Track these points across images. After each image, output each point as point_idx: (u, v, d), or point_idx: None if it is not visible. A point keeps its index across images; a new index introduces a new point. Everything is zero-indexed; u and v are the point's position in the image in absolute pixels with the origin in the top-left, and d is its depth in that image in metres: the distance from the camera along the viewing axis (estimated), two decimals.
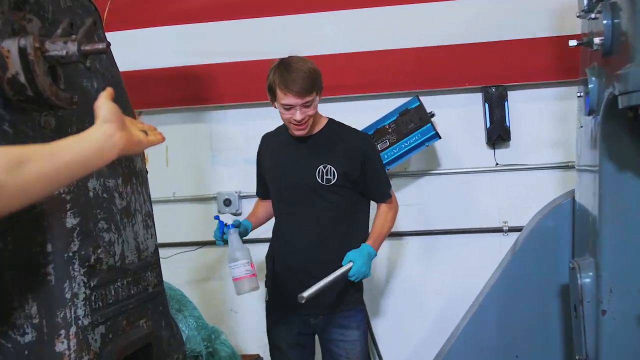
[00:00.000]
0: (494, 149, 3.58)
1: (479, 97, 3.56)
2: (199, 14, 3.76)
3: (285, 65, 2.55)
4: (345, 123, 2.82)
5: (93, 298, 1.60)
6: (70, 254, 1.55)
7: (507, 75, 3.47)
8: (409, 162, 3.63)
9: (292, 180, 2.72)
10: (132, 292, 1.82)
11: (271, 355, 2.84)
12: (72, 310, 1.55)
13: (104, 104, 1.33)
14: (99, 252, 1.60)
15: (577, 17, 2.37)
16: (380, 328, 3.73)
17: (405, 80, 3.54)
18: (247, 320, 3.90)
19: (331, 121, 2.78)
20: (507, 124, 3.47)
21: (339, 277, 2.53)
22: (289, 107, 2.53)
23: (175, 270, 3.93)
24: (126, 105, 1.92)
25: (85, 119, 1.66)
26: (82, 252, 1.57)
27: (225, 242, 2.71)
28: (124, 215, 1.82)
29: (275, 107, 2.63)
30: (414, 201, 3.66)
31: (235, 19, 3.71)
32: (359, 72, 3.58)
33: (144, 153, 2.06)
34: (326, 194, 2.67)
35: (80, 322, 1.56)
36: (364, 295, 2.87)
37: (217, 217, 2.78)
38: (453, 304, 3.55)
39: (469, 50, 3.45)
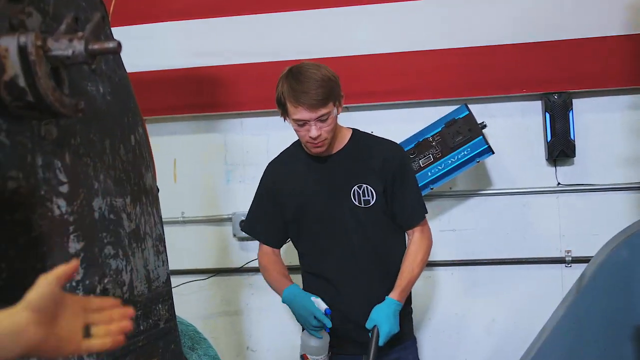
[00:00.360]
0: (555, 166, 3.55)
1: (538, 105, 3.55)
2: (212, 7, 3.77)
3: (294, 74, 2.49)
4: (381, 136, 2.80)
5: None
6: (74, 284, 1.55)
7: (573, 80, 3.44)
8: (455, 180, 3.61)
9: (322, 208, 2.68)
10: (142, 327, 1.82)
11: None
12: None
13: (40, 285, 1.16)
14: (105, 281, 1.60)
15: None
16: None
17: (452, 85, 3.53)
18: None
19: (356, 132, 2.75)
20: (572, 137, 3.44)
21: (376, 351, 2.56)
22: (302, 123, 2.49)
23: (185, 302, 3.91)
24: (135, 114, 1.93)
25: (90, 129, 1.67)
26: (87, 282, 1.58)
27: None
28: (133, 240, 1.82)
29: (288, 123, 2.60)
30: (460, 226, 3.65)
31: (255, 13, 3.72)
32: (396, 76, 3.58)
33: (154, 167, 2.07)
34: (365, 219, 2.64)
35: None
36: None
37: (328, 312, 2.61)
38: (506, 346, 3.52)
39: (527, 51, 3.43)
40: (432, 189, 3.30)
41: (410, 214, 2.71)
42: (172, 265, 3.93)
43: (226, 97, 3.82)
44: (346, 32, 3.62)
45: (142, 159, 1.94)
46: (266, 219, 2.80)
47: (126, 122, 1.87)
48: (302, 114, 2.46)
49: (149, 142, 2.05)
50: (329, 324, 2.58)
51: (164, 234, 2.04)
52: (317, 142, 2.53)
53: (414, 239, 2.72)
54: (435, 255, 3.65)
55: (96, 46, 1.39)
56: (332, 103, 2.48)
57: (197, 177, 4.00)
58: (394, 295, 2.61)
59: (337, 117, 2.56)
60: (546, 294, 3.42)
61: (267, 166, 2.83)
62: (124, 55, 4.12)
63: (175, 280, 3.91)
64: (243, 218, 3.79)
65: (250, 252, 3.83)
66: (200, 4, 3.80)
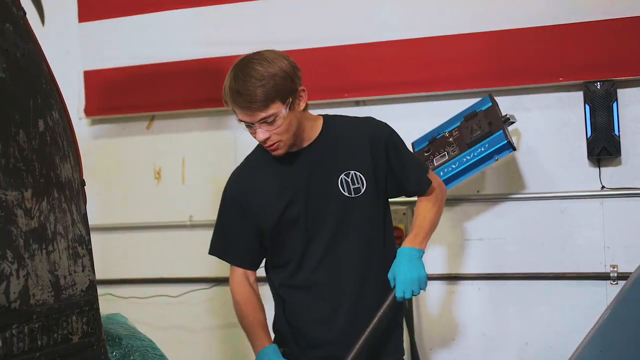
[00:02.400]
0: (599, 167, 3.21)
1: (579, 96, 3.22)
2: None
3: (237, 69, 2.28)
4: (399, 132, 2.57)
5: None
6: None
7: (617, 66, 3.09)
8: (483, 182, 3.34)
9: (307, 209, 2.44)
10: (40, 343, 1.63)
11: None
12: None
13: None
14: None
15: None
16: None
17: (478, 74, 3.26)
18: None
19: (327, 117, 2.51)
20: (616, 133, 3.10)
21: (384, 315, 2.33)
22: (247, 125, 2.31)
23: (190, 312, 3.81)
24: (47, 96, 1.75)
25: None
26: None
27: None
28: (33, 240, 1.63)
29: None
30: (488, 235, 3.36)
31: None
32: (418, 65, 3.34)
33: (79, 158, 1.89)
34: (359, 211, 2.42)
35: None
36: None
37: None
38: None
39: (565, 33, 3.13)
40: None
41: (417, 179, 2.49)
42: (178, 273, 3.84)
43: None
44: (366, 17, 3.41)
45: (57, 148, 1.75)
46: (237, 238, 2.56)
47: (32, 104, 1.69)
48: (242, 115, 2.27)
49: (72, 130, 1.85)
50: None
51: (88, 235, 1.84)
52: (269, 146, 2.33)
53: (421, 201, 2.53)
54: (461, 267, 3.40)
55: None
56: (279, 102, 2.24)
57: (207, 177, 3.85)
58: (405, 243, 2.40)
59: (295, 114, 2.31)
60: (588, 315, 3.03)
61: (230, 177, 2.59)
62: (129, 47, 4.04)
63: (181, 289, 3.81)
64: None
65: None
66: None
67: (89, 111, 3.95)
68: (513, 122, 3.05)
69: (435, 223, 2.51)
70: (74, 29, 3.97)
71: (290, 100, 2.28)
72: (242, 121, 2.29)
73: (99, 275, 3.85)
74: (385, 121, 2.55)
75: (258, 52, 2.32)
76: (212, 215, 3.74)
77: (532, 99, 3.28)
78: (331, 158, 2.42)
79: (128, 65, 3.83)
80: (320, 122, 2.47)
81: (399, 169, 2.45)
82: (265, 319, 2.56)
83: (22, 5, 1.76)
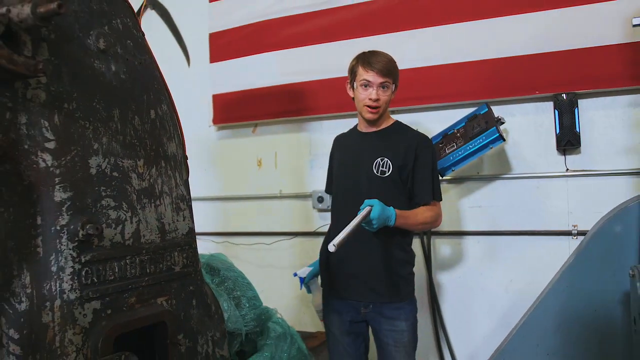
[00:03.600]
0: (564, 154, 2.81)
1: (549, 105, 2.81)
2: (297, 39, 3.39)
3: (369, 51, 2.22)
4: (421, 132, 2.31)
5: (84, 273, 1.23)
6: (58, 228, 1.18)
7: (578, 82, 2.68)
8: (482, 166, 2.97)
9: (352, 174, 2.23)
10: (148, 270, 1.43)
11: (327, 340, 2.34)
12: (58, 284, 1.18)
13: None
14: (87, 227, 1.22)
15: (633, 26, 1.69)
16: (450, 321, 3.08)
17: (478, 90, 2.88)
18: None
19: (398, 122, 2.29)
20: (577, 130, 2.70)
21: (360, 220, 1.91)
22: (366, 84, 2.12)
23: (278, 255, 3.59)
24: (158, 93, 1.54)
25: (93, 99, 1.30)
26: (71, 227, 1.20)
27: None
28: (144, 196, 1.43)
29: (352, 93, 2.23)
30: (485, 203, 2.99)
31: (328, 42, 3.29)
32: (435, 84, 2.98)
33: (183, 140, 1.67)
34: (379, 188, 2.14)
35: (65, 295, 1.19)
36: (424, 290, 2.30)
37: (295, 274, 2.46)
38: (521, 302, 2.83)
39: (540, 60, 2.73)
40: (453, 170, 2.67)
41: (423, 193, 2.17)
42: (269, 228, 3.61)
43: (310, 104, 3.41)
44: (398, 51, 2.99)
45: (165, 131, 1.54)
46: (329, 175, 2.50)
47: (145, 98, 1.48)
48: (370, 76, 2.11)
49: (178, 119, 1.64)
50: (300, 287, 2.41)
51: (188, 195, 1.62)
52: (374, 105, 2.14)
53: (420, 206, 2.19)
54: (464, 226, 3.05)
55: (42, 8, 1.00)
56: (392, 79, 2.15)
57: (291, 164, 3.61)
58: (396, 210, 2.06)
59: (390, 98, 2.19)
60: (555, 260, 2.64)
61: (334, 138, 2.49)
62: (242, 77, 3.81)
63: (272, 239, 3.58)
64: (320, 195, 3.38)
65: (326, 220, 3.38)
66: (289, 38, 3.42)
67: (215, 121, 3.77)
68: (503, 122, 2.69)
69: (420, 223, 2.12)
70: (207, 66, 3.80)
71: (395, 86, 2.18)
72: (366, 81, 2.13)
73: (220, 229, 3.69)
74: (410, 125, 2.29)
75: None
76: (295, 189, 3.56)
77: (516, 107, 2.89)
78: (381, 145, 2.20)
79: (240, 89, 3.63)
80: (393, 121, 2.28)
81: (418, 178, 2.16)
82: None
83: (142, 29, 1.55)
